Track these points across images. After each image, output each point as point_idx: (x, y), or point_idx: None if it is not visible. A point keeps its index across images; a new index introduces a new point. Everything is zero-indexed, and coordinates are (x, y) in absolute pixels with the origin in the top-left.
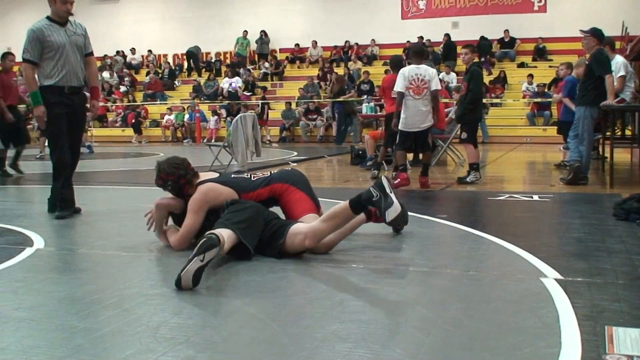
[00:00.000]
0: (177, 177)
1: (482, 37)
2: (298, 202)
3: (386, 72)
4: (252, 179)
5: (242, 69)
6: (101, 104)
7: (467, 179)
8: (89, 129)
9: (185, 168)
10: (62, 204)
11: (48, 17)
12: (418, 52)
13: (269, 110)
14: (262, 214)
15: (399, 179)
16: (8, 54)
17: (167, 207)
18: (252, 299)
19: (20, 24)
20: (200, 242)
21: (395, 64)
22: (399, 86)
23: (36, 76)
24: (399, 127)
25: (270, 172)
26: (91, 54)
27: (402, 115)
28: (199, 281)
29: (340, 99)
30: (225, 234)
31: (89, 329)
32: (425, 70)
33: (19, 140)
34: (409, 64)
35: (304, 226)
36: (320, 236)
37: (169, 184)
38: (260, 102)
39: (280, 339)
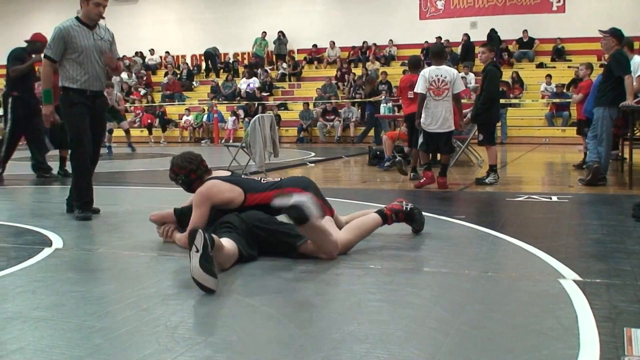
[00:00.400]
0: (188, 172)
1: (492, 30)
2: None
3: (404, 72)
4: (262, 181)
5: (259, 69)
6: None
7: (486, 180)
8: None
9: (199, 163)
10: (83, 206)
11: (77, 18)
12: (438, 53)
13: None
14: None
15: (424, 178)
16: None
17: (162, 219)
18: (270, 300)
19: (41, 24)
20: (187, 240)
21: (414, 65)
22: (419, 87)
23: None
24: (425, 129)
25: (281, 178)
26: (118, 60)
27: (422, 116)
28: (214, 272)
29: (372, 99)
30: (224, 241)
31: (107, 328)
32: (447, 72)
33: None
34: (428, 64)
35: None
36: (348, 247)
37: (180, 178)
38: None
39: (297, 339)
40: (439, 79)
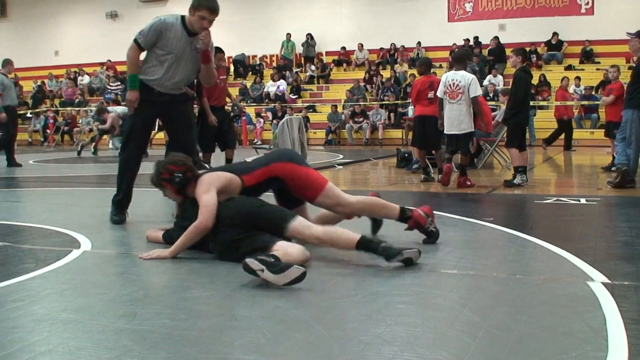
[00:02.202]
0: (185, 170)
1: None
2: (307, 176)
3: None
4: (249, 161)
5: (288, 72)
6: None
7: (514, 182)
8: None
9: (192, 164)
10: (117, 208)
11: (183, 18)
12: (458, 58)
13: (313, 113)
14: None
15: (444, 172)
16: (218, 51)
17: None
18: (298, 302)
19: (68, 28)
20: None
21: (427, 66)
22: (439, 91)
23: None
24: (444, 131)
25: (265, 154)
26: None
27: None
28: (283, 266)
29: None
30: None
31: (135, 330)
32: (462, 77)
33: (226, 143)
34: (452, 66)
35: (318, 226)
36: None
37: (176, 177)
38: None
39: (325, 341)
40: (454, 83)
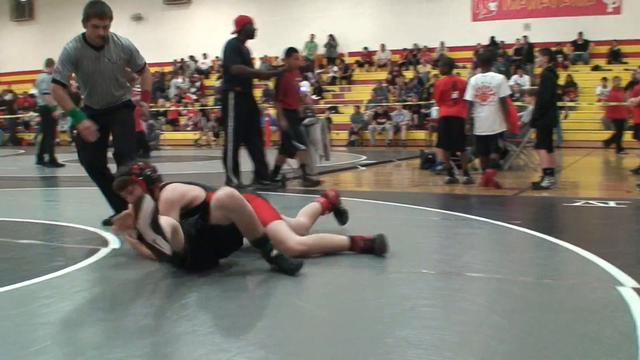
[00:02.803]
0: (154, 168)
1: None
2: (267, 209)
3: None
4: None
5: (310, 73)
6: (172, 108)
7: (542, 184)
8: (161, 132)
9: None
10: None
11: (84, 36)
12: (486, 60)
13: (336, 114)
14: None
15: (481, 180)
16: (293, 51)
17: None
18: (323, 303)
19: None
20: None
21: (450, 66)
22: (468, 94)
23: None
24: (474, 132)
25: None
26: (144, 66)
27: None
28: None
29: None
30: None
31: (163, 327)
32: (492, 78)
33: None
34: (476, 66)
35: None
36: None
37: (146, 172)
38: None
39: (350, 343)
40: (484, 86)
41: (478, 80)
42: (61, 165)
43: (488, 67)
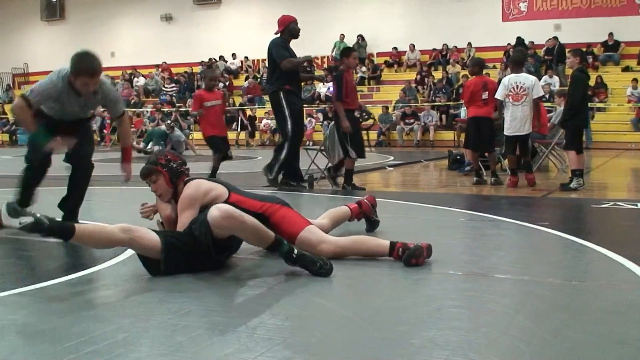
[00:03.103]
0: (182, 162)
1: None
2: (293, 217)
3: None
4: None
5: None
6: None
7: (571, 185)
8: (190, 132)
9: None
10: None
11: (69, 80)
12: (518, 61)
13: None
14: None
15: (509, 181)
16: (351, 51)
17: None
18: (349, 303)
19: (124, 30)
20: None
21: (479, 67)
22: (499, 94)
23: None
24: (505, 133)
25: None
26: (122, 115)
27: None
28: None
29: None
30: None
31: (189, 326)
32: (526, 78)
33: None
34: (506, 67)
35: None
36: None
37: (172, 165)
38: None
39: (376, 343)
40: (517, 86)
41: (511, 80)
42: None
43: (520, 68)
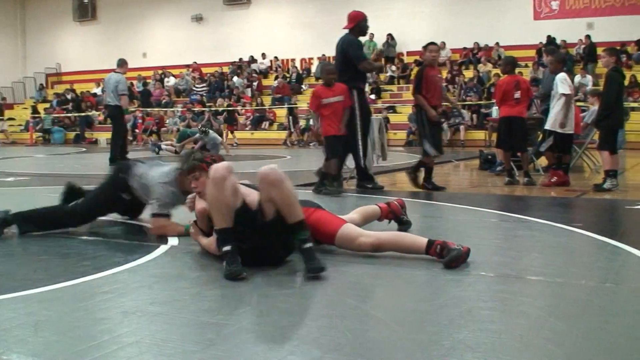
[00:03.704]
0: (212, 159)
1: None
2: (328, 218)
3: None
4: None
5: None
6: (231, 108)
7: (604, 186)
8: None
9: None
10: None
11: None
12: (562, 60)
13: (393, 114)
14: None
15: (555, 177)
16: (430, 44)
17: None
18: (379, 303)
19: (155, 30)
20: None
21: (512, 65)
22: (568, 89)
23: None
24: (566, 131)
25: None
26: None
27: (560, 118)
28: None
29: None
30: None
31: (220, 324)
32: (584, 78)
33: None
34: (538, 66)
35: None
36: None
37: (204, 157)
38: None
39: (406, 344)
40: (580, 85)
41: (568, 79)
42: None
43: (563, 67)
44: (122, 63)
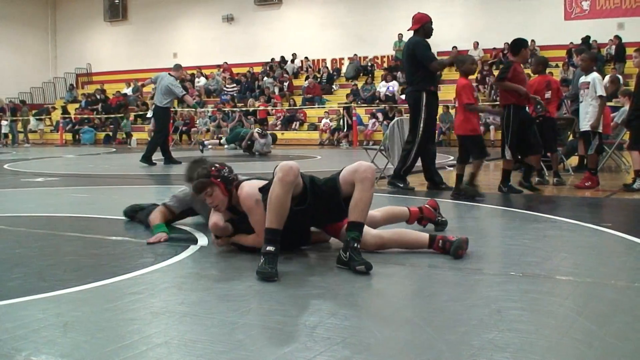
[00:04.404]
0: (229, 169)
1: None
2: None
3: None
4: None
5: (399, 72)
6: (261, 107)
7: (634, 186)
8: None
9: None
10: None
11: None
12: (593, 59)
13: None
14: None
15: (589, 182)
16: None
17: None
18: (408, 303)
19: (186, 31)
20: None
21: (543, 65)
22: (603, 90)
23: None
24: (599, 131)
25: None
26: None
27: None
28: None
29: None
30: None
31: (249, 325)
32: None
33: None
34: (569, 66)
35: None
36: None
37: (223, 173)
38: None
39: (435, 344)
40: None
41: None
42: (177, 162)
43: (595, 65)
44: (178, 67)
